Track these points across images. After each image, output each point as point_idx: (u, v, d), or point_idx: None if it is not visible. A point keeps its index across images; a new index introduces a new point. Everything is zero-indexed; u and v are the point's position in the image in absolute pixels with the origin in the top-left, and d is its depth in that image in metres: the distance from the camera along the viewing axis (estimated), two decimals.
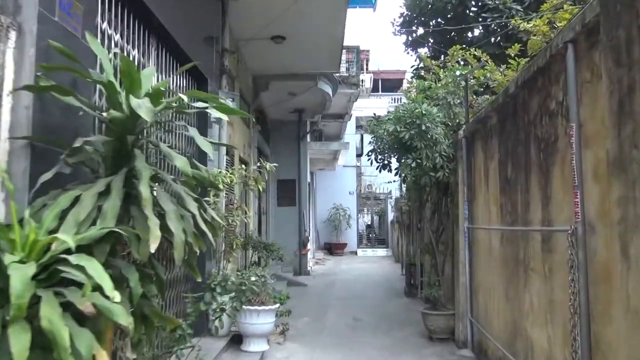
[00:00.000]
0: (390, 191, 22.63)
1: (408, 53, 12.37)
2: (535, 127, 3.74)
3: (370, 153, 6.85)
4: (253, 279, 5.55)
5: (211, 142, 3.17)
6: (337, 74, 13.04)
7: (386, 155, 6.67)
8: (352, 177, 23.46)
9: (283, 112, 13.59)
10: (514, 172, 4.29)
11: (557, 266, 3.30)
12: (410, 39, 12.23)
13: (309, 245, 14.77)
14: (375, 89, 32.44)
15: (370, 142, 7.00)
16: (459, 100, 6.63)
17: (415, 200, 10.35)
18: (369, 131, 6.92)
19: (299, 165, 13.88)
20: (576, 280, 2.80)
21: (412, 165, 6.09)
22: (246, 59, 9.27)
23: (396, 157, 6.80)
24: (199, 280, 2.80)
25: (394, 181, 14.05)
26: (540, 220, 3.62)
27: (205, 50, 6.46)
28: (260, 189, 6.01)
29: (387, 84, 32.95)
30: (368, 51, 29.97)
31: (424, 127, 6.02)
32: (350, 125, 21.14)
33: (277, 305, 5.74)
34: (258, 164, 6.08)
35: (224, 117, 2.78)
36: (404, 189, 13.84)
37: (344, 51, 15.84)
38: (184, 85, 5.56)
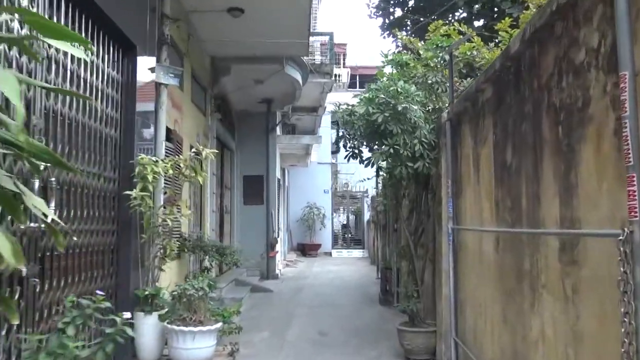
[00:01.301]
0: (367, 189, 21.68)
1: (385, 37, 11.38)
2: (550, 92, 2.74)
3: (339, 140, 5.81)
4: (189, 292, 4.47)
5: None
6: (309, 61, 12.01)
7: (357, 142, 5.64)
8: (327, 175, 22.43)
9: (250, 102, 12.49)
10: (516, 157, 3.30)
11: (587, 285, 2.31)
12: (387, 21, 11.24)
13: (278, 247, 13.69)
14: (352, 85, 31.52)
15: (339, 127, 5.98)
16: (441, 79, 5.64)
17: (392, 198, 9.40)
18: (337, 115, 5.88)
19: (267, 160, 12.78)
20: (632, 313, 1.80)
21: (390, 153, 5.07)
22: (202, 36, 8.15)
23: (368, 146, 5.78)
24: (15, 322, 1.70)
25: (368, 178, 13.10)
26: (558, 219, 2.62)
27: (140, 14, 5.33)
28: (200, 181, 4.92)
29: (365, 79, 32.03)
30: (345, 45, 29.05)
31: (400, 108, 5.01)
32: (326, 121, 20.12)
33: (220, 324, 4.65)
34: (194, 150, 4.98)
35: (80, 54, 1.69)
36: (379, 186, 12.88)
37: (318, 39, 14.90)
38: (101, 53, 4.42)
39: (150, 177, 4.53)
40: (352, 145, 5.77)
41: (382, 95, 5.06)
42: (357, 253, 21.24)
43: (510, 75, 3.41)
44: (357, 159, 5.94)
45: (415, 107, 5.24)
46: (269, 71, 9.66)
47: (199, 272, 6.89)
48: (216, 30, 7.99)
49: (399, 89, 5.00)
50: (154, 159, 4.65)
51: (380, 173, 6.69)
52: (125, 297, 4.63)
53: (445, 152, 5.15)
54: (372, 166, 5.58)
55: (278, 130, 13.72)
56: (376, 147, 5.43)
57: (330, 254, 21.13)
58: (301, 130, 18.09)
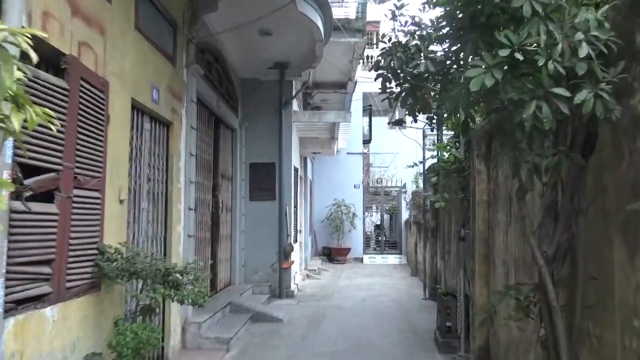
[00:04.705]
0: (405, 184, 18.50)
1: None
2: None
3: (383, 55, 2.75)
4: None
5: None
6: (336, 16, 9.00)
7: (429, 59, 2.57)
8: (358, 167, 19.21)
9: (257, 68, 9.55)
10: None
11: None
12: None
13: (295, 256, 10.70)
14: None
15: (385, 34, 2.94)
16: None
17: (456, 190, 6.28)
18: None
19: (280, 142, 9.79)
20: None
21: (507, 61, 2.00)
22: None
23: (454, 58, 2.69)
24: None
25: (415, 164, 9.97)
26: None
27: None
28: (16, 125, 1.90)
29: None
30: (378, 23, 25.83)
31: None
32: (356, 104, 17.02)
33: None
34: None
35: None
36: (428, 178, 9.72)
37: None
38: None
39: None
40: (412, 69, 2.68)
41: None
42: (393, 259, 18.06)
43: None
44: (421, 111, 2.88)
45: None
46: (274, 4, 6.66)
47: (138, 313, 3.94)
48: None
49: None
50: None
51: (472, 122, 3.52)
52: None
53: None
54: (473, 95, 2.49)
55: (295, 105, 10.71)
56: (479, 53, 2.34)
57: (361, 259, 18.00)
58: None
